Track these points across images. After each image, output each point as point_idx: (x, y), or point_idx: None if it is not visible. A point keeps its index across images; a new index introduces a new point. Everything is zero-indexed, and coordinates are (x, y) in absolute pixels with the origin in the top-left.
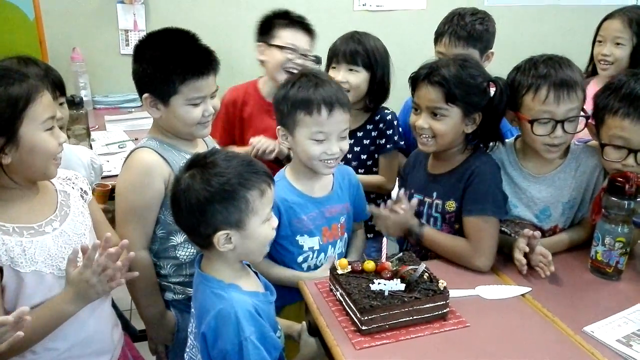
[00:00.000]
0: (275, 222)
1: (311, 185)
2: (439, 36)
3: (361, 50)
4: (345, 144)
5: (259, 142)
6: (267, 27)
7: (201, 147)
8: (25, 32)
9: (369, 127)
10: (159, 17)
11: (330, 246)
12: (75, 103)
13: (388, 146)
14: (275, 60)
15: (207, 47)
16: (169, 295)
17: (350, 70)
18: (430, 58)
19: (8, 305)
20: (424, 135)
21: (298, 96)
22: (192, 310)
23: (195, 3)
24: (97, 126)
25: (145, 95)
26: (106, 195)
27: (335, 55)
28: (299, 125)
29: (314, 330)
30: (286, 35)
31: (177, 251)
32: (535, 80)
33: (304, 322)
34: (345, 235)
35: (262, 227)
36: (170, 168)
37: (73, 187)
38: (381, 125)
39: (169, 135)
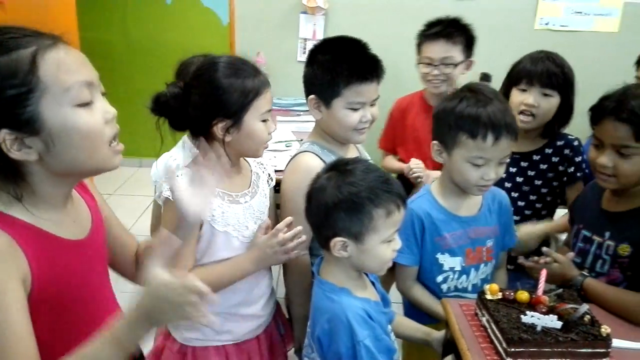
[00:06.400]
0: (397, 245)
1: (457, 204)
2: None
3: (559, 72)
4: (502, 169)
5: (416, 166)
6: (419, 43)
7: (353, 154)
8: (218, 36)
9: (548, 151)
10: (337, 27)
11: (473, 269)
12: None
13: (578, 174)
14: (421, 75)
15: (374, 55)
16: None
17: (545, 94)
18: (617, 85)
19: (198, 255)
20: (606, 174)
21: (463, 115)
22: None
23: (372, 16)
24: None
25: (311, 96)
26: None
27: (527, 77)
28: (459, 146)
29: (451, 345)
30: (424, 50)
31: None
32: None
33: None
34: (493, 260)
35: (380, 246)
36: None
37: (263, 172)
38: (566, 151)
39: (328, 139)
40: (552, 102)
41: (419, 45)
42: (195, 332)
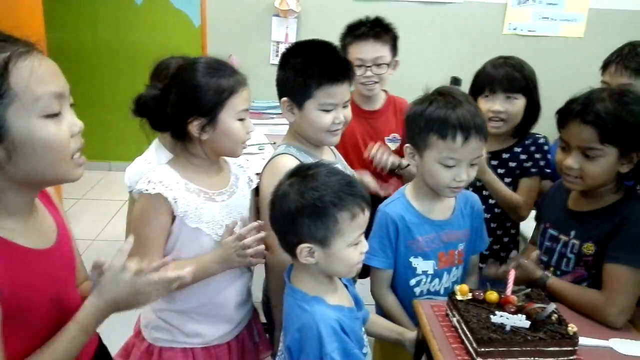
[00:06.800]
0: (364, 247)
1: (431, 207)
2: (606, 65)
3: (519, 76)
4: (474, 172)
5: (378, 153)
6: (343, 46)
7: (328, 156)
8: (189, 38)
9: (517, 149)
10: (309, 30)
11: (445, 272)
12: None
13: (532, 170)
14: None
15: (345, 58)
16: None
17: (508, 97)
18: (583, 89)
19: (167, 249)
20: (572, 175)
21: (432, 117)
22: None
23: (344, 20)
24: None
25: (284, 99)
26: None
27: (490, 84)
28: (430, 148)
29: (423, 345)
30: (353, 52)
31: None
32: None
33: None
34: (463, 263)
35: (347, 249)
36: None
37: (243, 173)
38: (532, 148)
39: (302, 141)
40: (518, 104)
41: (344, 48)
42: (164, 333)
